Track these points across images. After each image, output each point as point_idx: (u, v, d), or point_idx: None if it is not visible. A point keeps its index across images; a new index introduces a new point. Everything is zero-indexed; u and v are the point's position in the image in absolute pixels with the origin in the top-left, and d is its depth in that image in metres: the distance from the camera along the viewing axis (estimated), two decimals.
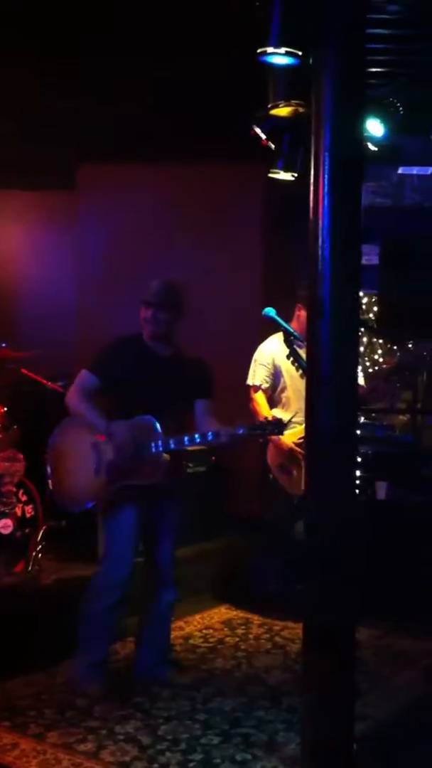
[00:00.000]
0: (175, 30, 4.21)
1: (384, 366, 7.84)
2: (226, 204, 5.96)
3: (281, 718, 3.54)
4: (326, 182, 2.39)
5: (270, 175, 4.55)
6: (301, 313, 4.76)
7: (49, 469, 3.82)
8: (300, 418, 4.75)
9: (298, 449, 4.67)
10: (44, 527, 4.63)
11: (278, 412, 4.84)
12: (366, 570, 2.83)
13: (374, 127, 4.63)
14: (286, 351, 4.71)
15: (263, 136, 4.13)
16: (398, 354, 7.88)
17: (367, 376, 7.53)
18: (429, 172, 6.79)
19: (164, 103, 5.11)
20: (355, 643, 2.72)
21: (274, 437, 4.67)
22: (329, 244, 2.37)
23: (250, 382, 4.91)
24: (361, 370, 6.86)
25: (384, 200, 6.95)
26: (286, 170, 4.37)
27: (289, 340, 4.16)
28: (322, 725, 2.59)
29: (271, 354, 4.90)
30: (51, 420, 4.81)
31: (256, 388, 4.89)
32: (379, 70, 4.42)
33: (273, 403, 4.93)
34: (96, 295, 5.91)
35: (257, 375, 4.90)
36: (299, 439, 4.72)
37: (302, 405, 4.74)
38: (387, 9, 3.71)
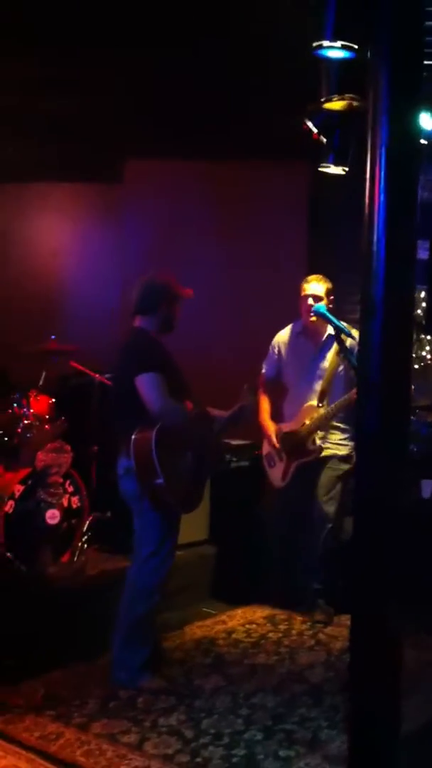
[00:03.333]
0: (219, 27, 4.20)
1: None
2: (272, 199, 5.94)
3: (324, 716, 3.53)
4: (382, 178, 2.34)
5: (320, 169, 4.50)
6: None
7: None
8: (298, 409, 4.76)
9: (275, 442, 4.74)
10: (90, 518, 4.67)
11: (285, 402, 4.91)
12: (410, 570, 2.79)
13: (426, 121, 4.55)
14: (291, 338, 4.78)
15: (315, 130, 4.09)
16: None
17: (414, 373, 7.45)
18: None
19: (210, 98, 5.10)
20: (401, 644, 2.70)
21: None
22: (384, 242, 2.33)
23: None
24: None
25: None
26: (337, 164, 4.32)
27: (340, 338, 4.14)
28: (369, 726, 2.56)
29: (277, 342, 4.94)
30: (98, 412, 4.88)
31: (263, 375, 4.94)
32: (429, 63, 4.35)
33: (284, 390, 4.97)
34: None
35: (265, 361, 4.96)
36: (283, 433, 4.73)
37: (297, 395, 4.72)
38: None
